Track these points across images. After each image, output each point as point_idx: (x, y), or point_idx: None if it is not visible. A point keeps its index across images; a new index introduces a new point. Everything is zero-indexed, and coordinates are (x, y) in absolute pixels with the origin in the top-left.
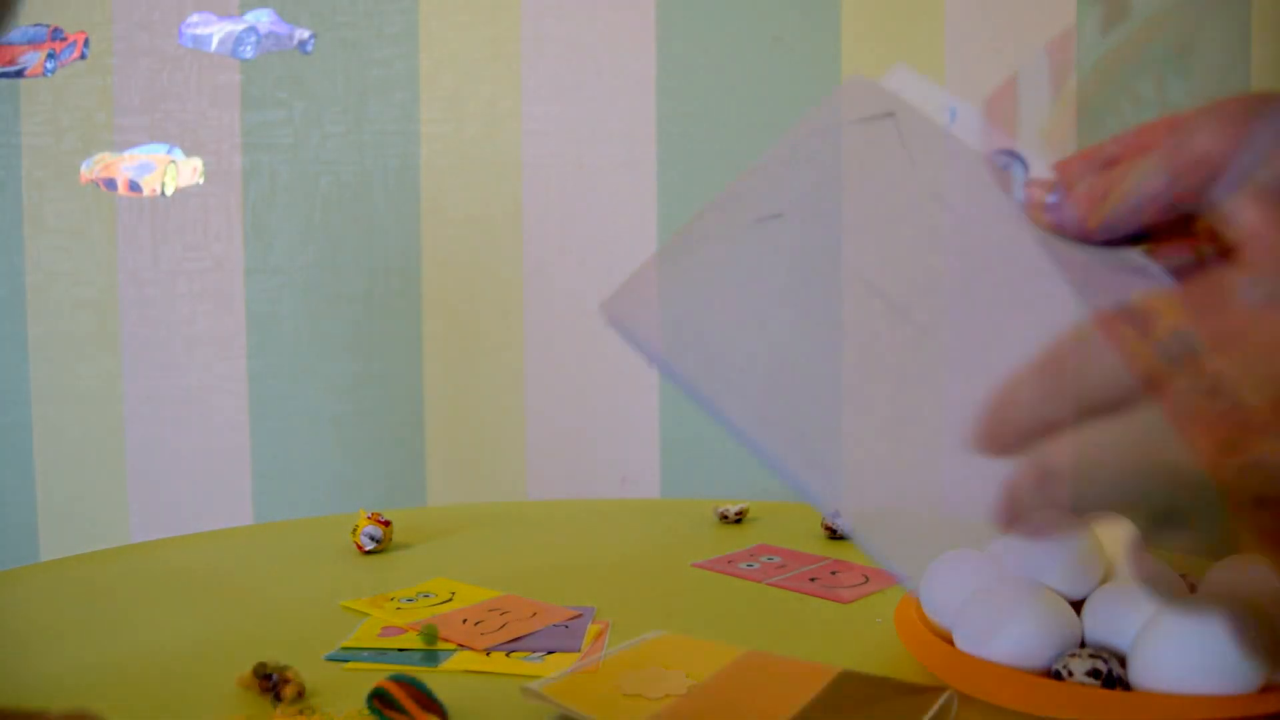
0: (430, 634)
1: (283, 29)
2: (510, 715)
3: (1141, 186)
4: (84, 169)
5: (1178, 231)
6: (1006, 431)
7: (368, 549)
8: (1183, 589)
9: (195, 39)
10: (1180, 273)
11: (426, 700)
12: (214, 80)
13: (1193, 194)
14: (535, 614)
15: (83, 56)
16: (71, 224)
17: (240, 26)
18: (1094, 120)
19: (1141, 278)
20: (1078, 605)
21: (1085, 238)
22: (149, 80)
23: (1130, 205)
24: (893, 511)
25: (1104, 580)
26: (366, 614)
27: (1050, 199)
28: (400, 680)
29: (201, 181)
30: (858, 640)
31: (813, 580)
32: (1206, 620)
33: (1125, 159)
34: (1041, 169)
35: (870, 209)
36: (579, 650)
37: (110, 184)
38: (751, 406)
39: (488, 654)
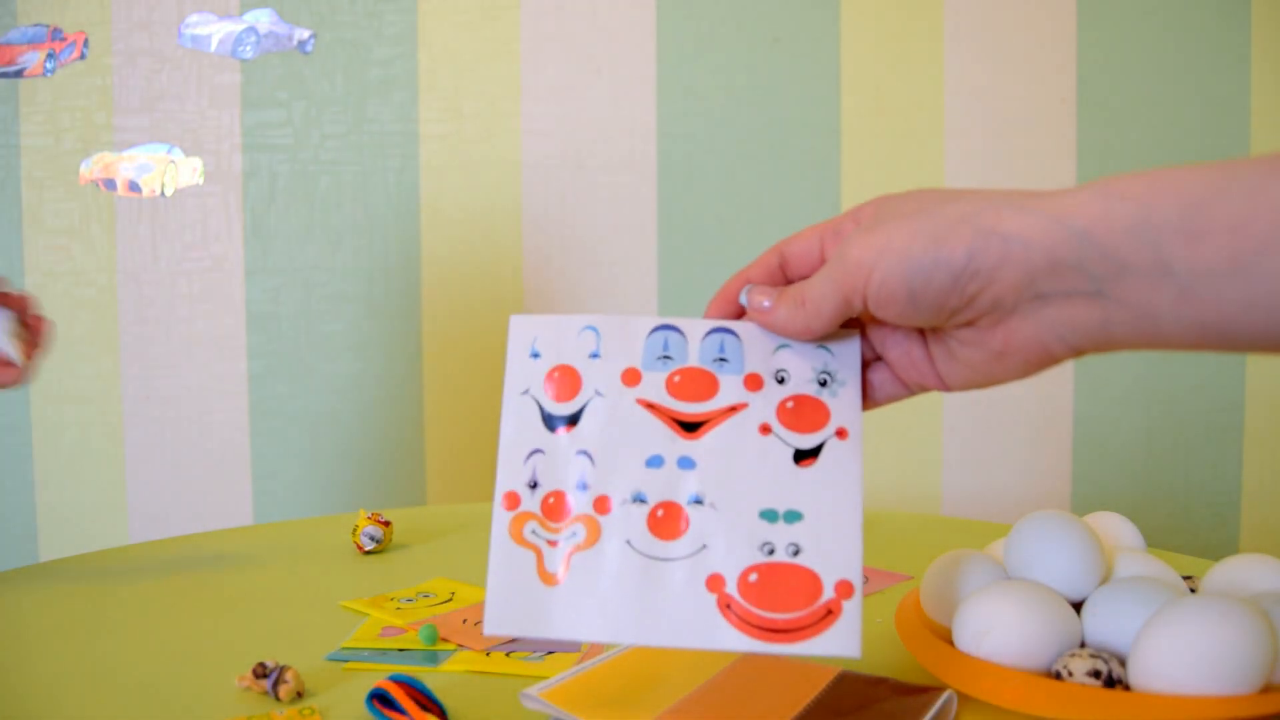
0: (430, 634)
1: (283, 29)
2: (510, 715)
3: (822, 296)
4: (84, 169)
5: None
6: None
7: (368, 549)
8: (1183, 589)
9: (195, 39)
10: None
11: (426, 700)
12: (214, 80)
13: (857, 292)
14: None
15: (82, 56)
16: (71, 224)
17: (240, 26)
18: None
19: (833, 356)
20: (1078, 605)
21: (798, 337)
22: (148, 80)
23: (819, 310)
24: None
25: (1104, 580)
26: (366, 614)
27: (764, 304)
28: (400, 680)
29: (201, 181)
30: None
31: None
32: (1206, 620)
33: (799, 274)
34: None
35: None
36: (579, 650)
37: (110, 184)
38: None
39: (488, 654)
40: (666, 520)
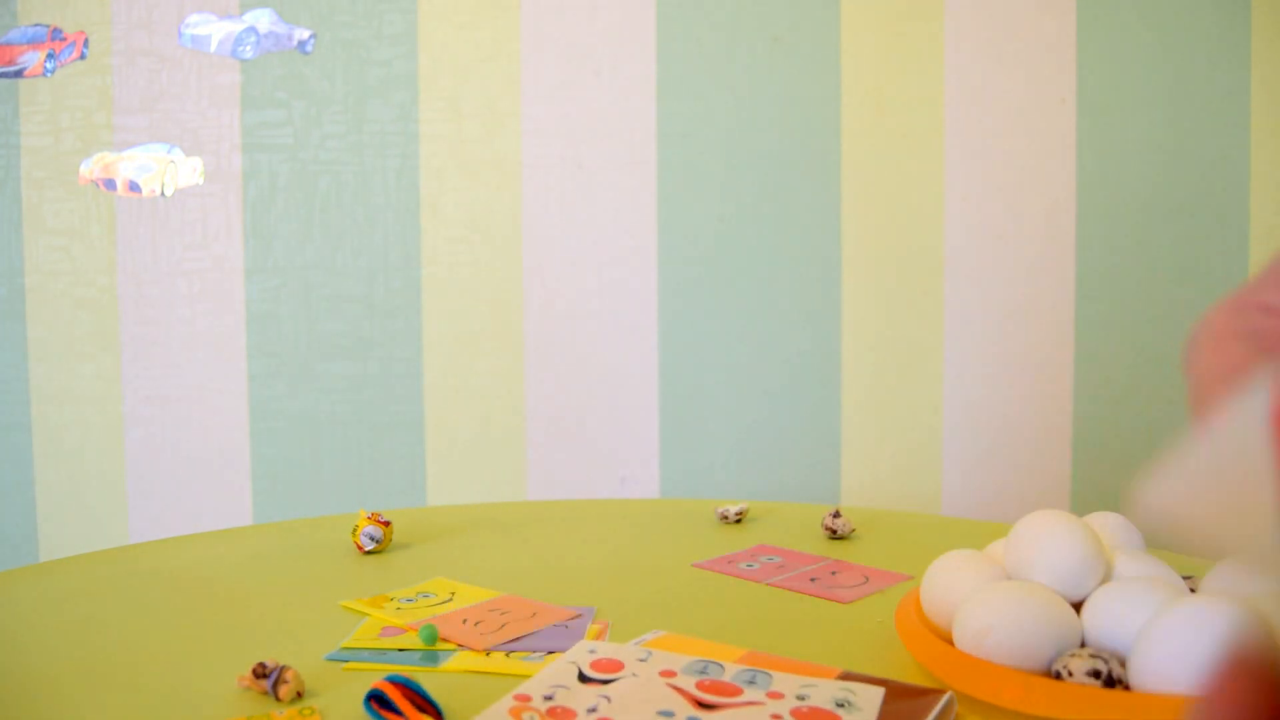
0: (430, 634)
1: (283, 29)
2: None
3: None
4: (84, 169)
5: None
6: None
7: (368, 549)
8: (1183, 589)
9: (195, 39)
10: None
11: (422, 701)
12: (214, 80)
13: None
14: (535, 614)
15: (82, 56)
16: (71, 224)
17: (240, 26)
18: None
19: None
20: (1078, 605)
21: None
22: (149, 80)
23: None
24: None
25: (1104, 580)
26: (366, 614)
27: None
28: (396, 681)
29: (201, 181)
30: (858, 640)
31: (813, 580)
32: (1206, 620)
33: None
34: None
35: None
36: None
37: (110, 184)
38: None
39: (488, 654)
40: None
